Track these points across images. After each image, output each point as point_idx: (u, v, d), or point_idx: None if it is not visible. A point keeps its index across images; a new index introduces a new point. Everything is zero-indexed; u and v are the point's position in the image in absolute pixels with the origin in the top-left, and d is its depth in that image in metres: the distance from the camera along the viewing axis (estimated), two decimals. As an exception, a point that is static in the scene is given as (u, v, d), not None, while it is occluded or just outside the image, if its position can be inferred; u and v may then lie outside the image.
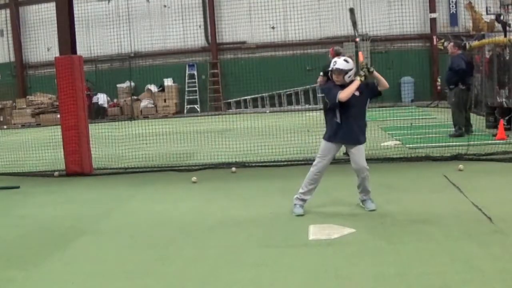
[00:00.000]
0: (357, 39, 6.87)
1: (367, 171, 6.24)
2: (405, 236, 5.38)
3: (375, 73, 6.21)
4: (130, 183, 9.11)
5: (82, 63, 10.22)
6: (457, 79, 11.93)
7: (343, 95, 6.06)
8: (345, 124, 6.19)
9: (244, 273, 4.66)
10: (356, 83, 6.11)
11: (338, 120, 6.21)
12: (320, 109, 17.15)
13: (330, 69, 6.29)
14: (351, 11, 6.90)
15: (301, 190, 6.39)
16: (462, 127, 11.84)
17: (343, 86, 6.16)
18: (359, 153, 6.24)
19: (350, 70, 6.18)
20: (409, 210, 6.36)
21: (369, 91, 6.27)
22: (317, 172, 6.31)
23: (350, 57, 6.84)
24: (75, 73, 9.89)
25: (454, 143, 10.37)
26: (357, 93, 6.14)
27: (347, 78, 6.17)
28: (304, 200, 6.38)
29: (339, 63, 6.20)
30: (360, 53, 6.50)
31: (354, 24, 6.91)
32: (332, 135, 6.27)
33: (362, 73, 6.13)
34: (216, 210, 6.94)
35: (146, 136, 13.52)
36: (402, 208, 6.48)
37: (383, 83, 6.22)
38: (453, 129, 12.06)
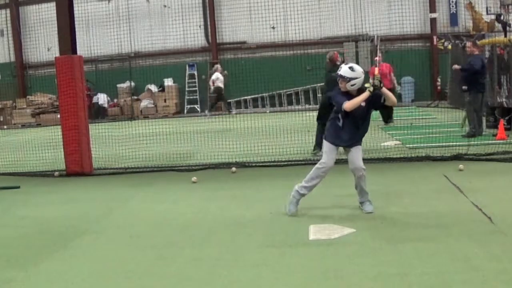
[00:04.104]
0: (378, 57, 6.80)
1: (363, 170, 6.23)
2: (405, 236, 5.38)
3: (384, 89, 6.14)
4: (130, 183, 9.11)
5: (82, 63, 10.22)
6: (472, 80, 11.77)
7: (348, 105, 6.06)
8: (346, 129, 6.22)
9: (244, 273, 4.66)
10: (365, 95, 6.06)
11: (340, 124, 6.23)
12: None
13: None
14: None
15: (304, 184, 6.28)
16: (476, 127, 11.69)
17: (347, 92, 6.17)
18: (356, 153, 6.25)
19: (354, 78, 6.11)
20: (409, 210, 6.36)
21: (373, 102, 6.22)
22: (325, 170, 6.23)
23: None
24: (75, 73, 9.89)
25: (454, 143, 10.36)
26: (363, 103, 6.13)
27: (349, 86, 6.14)
28: (302, 195, 6.32)
29: (344, 70, 6.18)
30: (376, 68, 6.44)
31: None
32: (334, 138, 6.28)
33: (371, 87, 6.03)
34: (216, 210, 6.94)
35: (146, 136, 13.51)
36: (402, 208, 6.48)
37: (392, 100, 6.18)
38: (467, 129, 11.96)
